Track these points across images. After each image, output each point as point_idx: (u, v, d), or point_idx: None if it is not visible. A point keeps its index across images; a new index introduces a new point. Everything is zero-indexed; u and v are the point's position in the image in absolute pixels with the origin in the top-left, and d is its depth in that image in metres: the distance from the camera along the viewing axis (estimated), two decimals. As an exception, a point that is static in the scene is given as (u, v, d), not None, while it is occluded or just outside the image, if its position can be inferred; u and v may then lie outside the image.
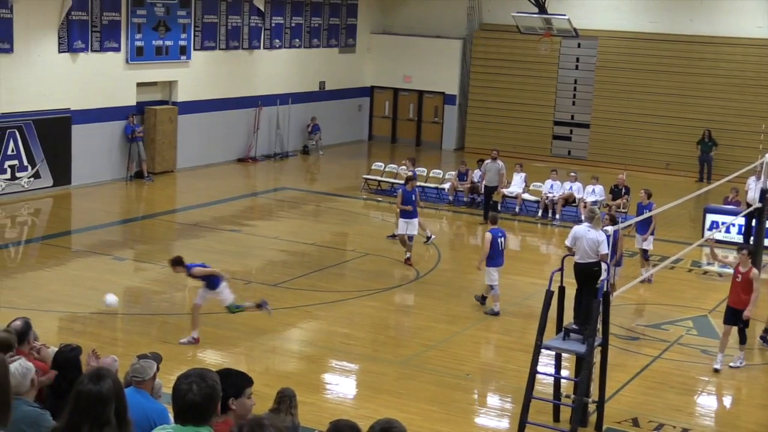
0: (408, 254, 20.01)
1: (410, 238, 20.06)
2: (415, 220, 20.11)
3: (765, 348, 16.02)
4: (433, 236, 21.70)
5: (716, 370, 14.78)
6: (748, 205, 21.68)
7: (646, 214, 18.28)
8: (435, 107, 36.22)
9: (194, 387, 5.13)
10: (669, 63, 32.58)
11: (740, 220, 22.34)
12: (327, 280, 18.87)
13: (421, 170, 27.83)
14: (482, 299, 17.36)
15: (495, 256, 17.06)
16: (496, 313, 16.95)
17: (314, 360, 14.80)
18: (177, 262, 14.76)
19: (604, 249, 13.12)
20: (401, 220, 20.11)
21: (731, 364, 14.87)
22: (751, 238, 21.84)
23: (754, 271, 14.86)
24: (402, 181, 22.45)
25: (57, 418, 6.06)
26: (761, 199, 20.58)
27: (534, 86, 34.45)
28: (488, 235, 17.10)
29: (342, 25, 35.03)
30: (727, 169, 25.71)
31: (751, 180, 22.22)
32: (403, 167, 23.11)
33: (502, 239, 17.14)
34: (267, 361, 14.65)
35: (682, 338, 16.45)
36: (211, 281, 14.77)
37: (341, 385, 14.13)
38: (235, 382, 5.97)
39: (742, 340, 14.90)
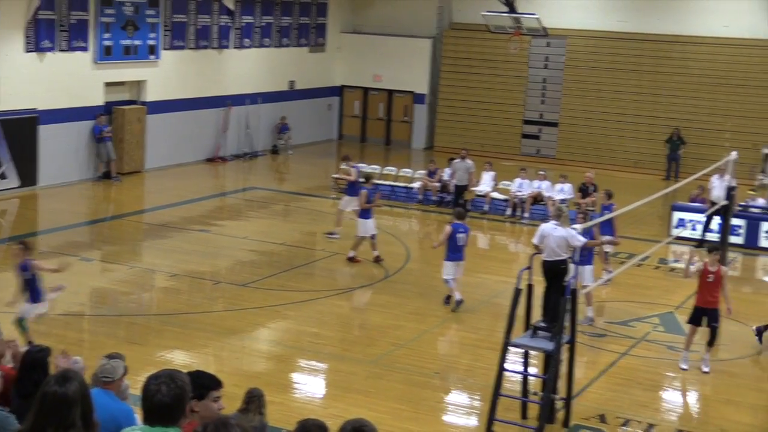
0: (375, 252, 20.04)
1: (373, 236, 20.10)
2: (372, 220, 20.19)
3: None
4: (337, 236, 21.70)
5: (683, 370, 14.91)
6: (712, 203, 21.94)
7: (606, 216, 18.29)
8: (405, 106, 36.28)
9: (163, 388, 5.14)
10: (637, 62, 32.81)
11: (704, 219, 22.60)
12: (296, 279, 18.87)
13: (390, 169, 27.94)
14: (448, 299, 17.44)
15: (453, 250, 17.18)
16: (460, 301, 17.04)
17: (283, 360, 14.81)
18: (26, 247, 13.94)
19: (577, 241, 13.18)
20: (360, 220, 20.15)
21: (703, 368, 14.88)
22: (708, 235, 22.26)
23: (723, 267, 15.04)
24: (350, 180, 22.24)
25: (23, 420, 6.05)
26: (727, 196, 20.85)
27: (503, 85, 34.60)
28: (448, 228, 17.34)
29: (312, 25, 35.02)
30: (695, 167, 25.95)
31: (715, 178, 22.46)
32: (345, 166, 22.91)
33: (463, 235, 17.24)
34: (236, 362, 14.64)
35: (648, 335, 16.60)
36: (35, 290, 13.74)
37: (310, 385, 14.15)
38: (200, 384, 5.92)
39: (712, 341, 14.91)
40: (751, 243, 22.54)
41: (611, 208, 18.99)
